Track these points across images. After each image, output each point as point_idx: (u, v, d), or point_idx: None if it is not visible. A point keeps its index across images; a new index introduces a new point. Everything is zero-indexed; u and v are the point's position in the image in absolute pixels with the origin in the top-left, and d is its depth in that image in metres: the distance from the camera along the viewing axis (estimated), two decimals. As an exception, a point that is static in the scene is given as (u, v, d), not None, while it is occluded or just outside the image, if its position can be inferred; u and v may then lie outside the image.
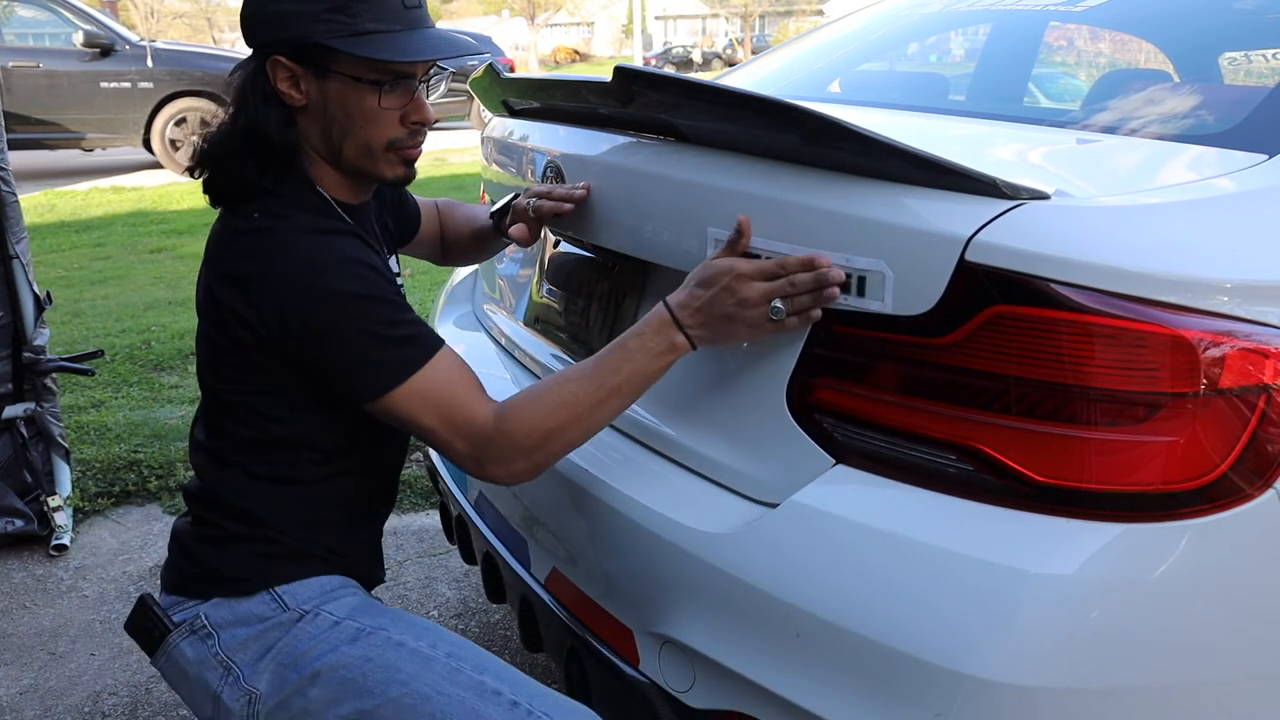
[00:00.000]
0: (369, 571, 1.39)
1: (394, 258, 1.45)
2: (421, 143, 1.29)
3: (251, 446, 1.25)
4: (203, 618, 1.22)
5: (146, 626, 1.27)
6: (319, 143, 1.24)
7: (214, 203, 1.26)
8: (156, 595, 1.29)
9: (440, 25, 1.30)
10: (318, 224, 1.21)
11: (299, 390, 1.21)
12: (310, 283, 1.15)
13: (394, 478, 1.43)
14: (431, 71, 1.28)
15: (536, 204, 1.51)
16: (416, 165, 1.31)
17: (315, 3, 1.16)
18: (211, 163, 1.24)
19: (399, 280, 1.39)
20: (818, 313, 1.10)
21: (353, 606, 1.25)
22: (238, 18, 1.26)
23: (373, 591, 1.40)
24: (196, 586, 1.25)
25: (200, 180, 1.25)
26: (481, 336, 1.97)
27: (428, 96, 1.28)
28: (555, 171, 1.55)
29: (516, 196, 1.60)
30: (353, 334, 1.15)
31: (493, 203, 1.69)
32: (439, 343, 1.20)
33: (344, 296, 1.15)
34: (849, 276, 1.07)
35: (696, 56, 40.81)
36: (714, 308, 1.14)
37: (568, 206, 1.46)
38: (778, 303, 1.11)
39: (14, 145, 2.88)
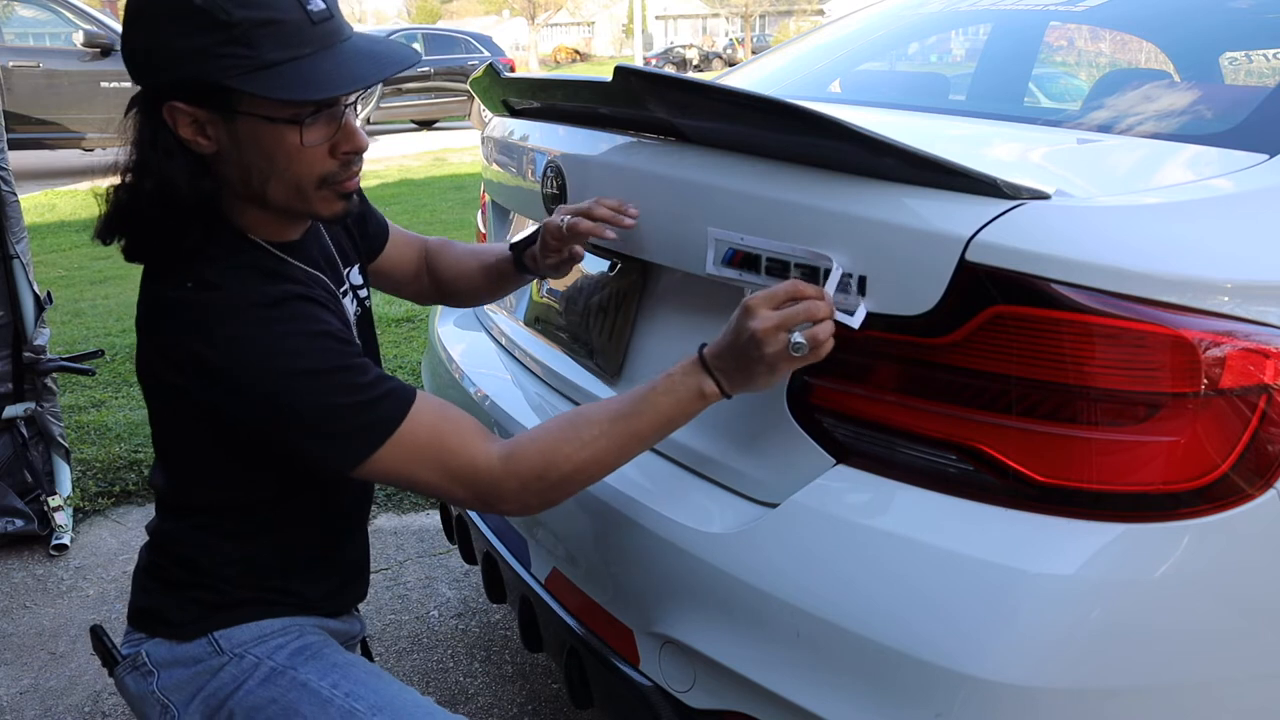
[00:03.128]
0: (342, 597, 1.34)
1: (355, 269, 1.34)
2: (358, 171, 1.14)
3: (201, 503, 1.22)
4: (144, 655, 1.22)
5: (100, 654, 1.28)
6: (240, 187, 1.10)
7: (138, 262, 1.13)
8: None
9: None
10: (257, 294, 1.07)
11: (255, 458, 1.14)
12: (261, 368, 1.04)
13: (361, 507, 1.36)
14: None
15: (571, 222, 1.35)
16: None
17: (207, 35, 1.00)
18: (123, 229, 1.11)
19: (363, 295, 1.33)
20: (830, 344, 1.06)
21: (276, 647, 1.21)
22: None
23: (365, 590, 1.40)
24: (145, 621, 1.24)
25: (116, 245, 1.12)
26: (482, 336, 1.97)
27: (359, 114, 1.14)
28: (555, 171, 1.55)
29: (538, 231, 1.45)
30: (317, 413, 1.05)
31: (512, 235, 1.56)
32: (411, 394, 1.10)
33: (299, 376, 1.05)
34: (850, 276, 1.07)
35: (692, 55, 40.83)
36: (733, 348, 1.07)
37: (609, 233, 1.33)
38: (797, 336, 1.04)
39: (14, 145, 2.88)
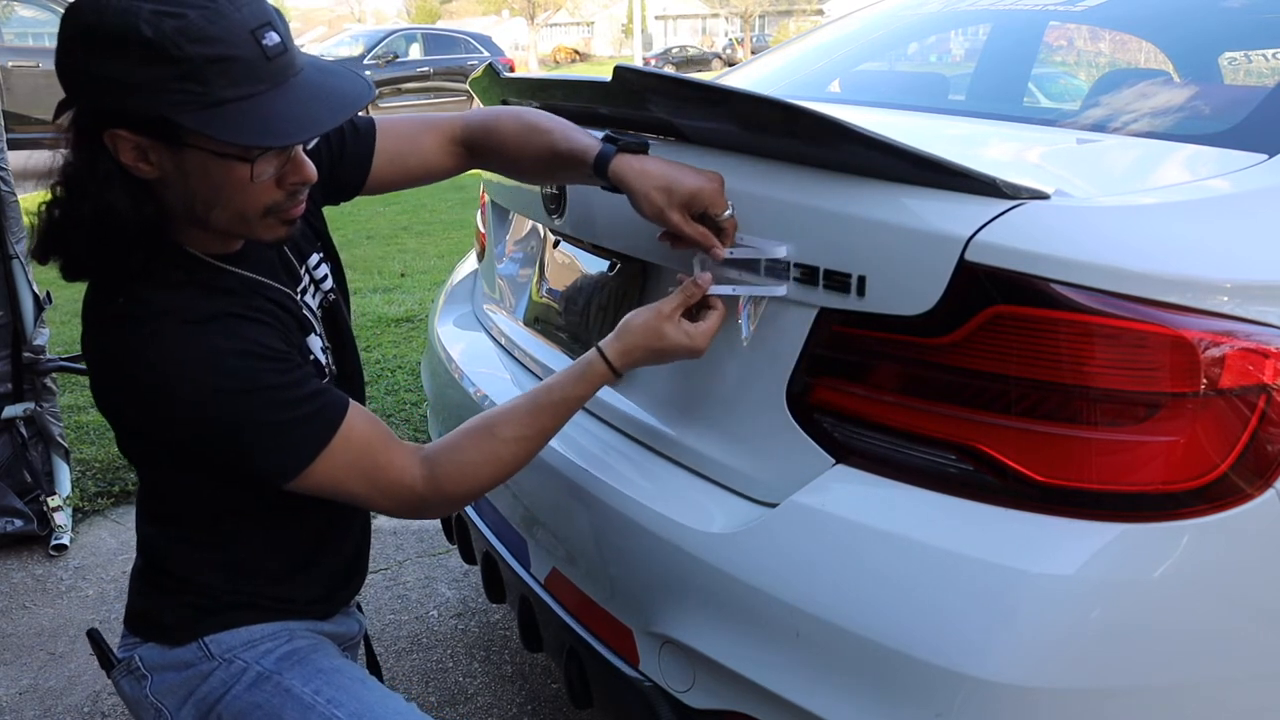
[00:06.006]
0: (330, 600, 1.34)
1: (315, 257, 1.30)
2: (303, 200, 1.12)
3: (171, 511, 1.23)
4: (137, 660, 1.23)
5: (98, 657, 1.29)
6: (182, 210, 1.07)
7: (78, 280, 1.11)
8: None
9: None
10: (189, 312, 1.06)
11: (202, 472, 1.14)
12: (191, 387, 1.04)
13: (341, 513, 1.32)
14: None
15: (732, 219, 1.20)
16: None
17: (158, 67, 0.95)
18: (59, 250, 1.08)
19: (326, 286, 1.30)
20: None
21: (264, 652, 1.22)
22: None
23: (358, 590, 1.40)
24: (139, 625, 1.25)
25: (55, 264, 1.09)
26: (481, 336, 1.97)
27: (308, 147, 1.12)
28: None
29: (645, 144, 1.24)
30: (248, 430, 1.07)
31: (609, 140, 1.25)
32: (343, 409, 1.12)
33: (229, 395, 1.05)
34: (849, 276, 1.07)
35: (691, 56, 41.01)
36: (658, 357, 1.19)
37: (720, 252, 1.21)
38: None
39: (14, 145, 2.87)
